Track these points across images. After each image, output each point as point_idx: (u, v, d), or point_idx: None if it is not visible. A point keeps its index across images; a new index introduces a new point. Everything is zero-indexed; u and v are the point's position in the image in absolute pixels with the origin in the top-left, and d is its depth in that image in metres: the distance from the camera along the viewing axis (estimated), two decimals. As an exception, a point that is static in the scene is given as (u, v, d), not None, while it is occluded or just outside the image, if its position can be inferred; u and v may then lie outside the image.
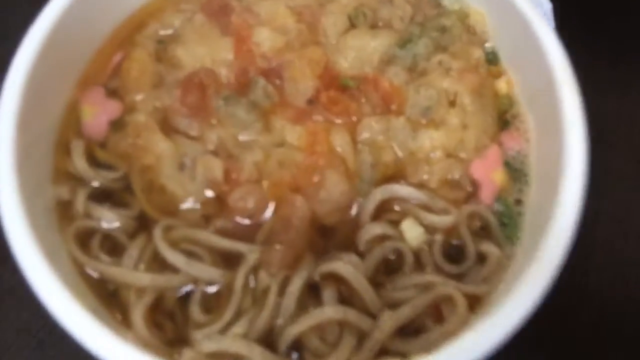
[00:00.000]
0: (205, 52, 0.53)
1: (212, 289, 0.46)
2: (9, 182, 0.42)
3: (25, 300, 0.62)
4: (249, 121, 0.50)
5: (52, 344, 0.63)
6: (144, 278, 0.44)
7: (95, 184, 0.49)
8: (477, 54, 0.56)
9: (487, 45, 0.58)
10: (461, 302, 0.43)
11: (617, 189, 0.59)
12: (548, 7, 0.68)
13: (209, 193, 0.48)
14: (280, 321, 0.44)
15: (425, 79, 0.53)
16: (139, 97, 0.52)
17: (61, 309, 0.39)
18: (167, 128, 0.51)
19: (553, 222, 0.43)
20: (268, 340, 0.44)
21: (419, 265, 0.47)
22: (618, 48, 0.76)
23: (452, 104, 0.52)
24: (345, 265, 0.44)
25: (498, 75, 0.57)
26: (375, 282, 0.46)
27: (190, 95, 0.51)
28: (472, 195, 0.50)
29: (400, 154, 0.51)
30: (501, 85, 0.56)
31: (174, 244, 0.46)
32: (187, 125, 0.51)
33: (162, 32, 0.57)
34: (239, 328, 0.43)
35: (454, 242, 0.49)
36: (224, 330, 0.43)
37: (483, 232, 0.49)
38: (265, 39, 0.54)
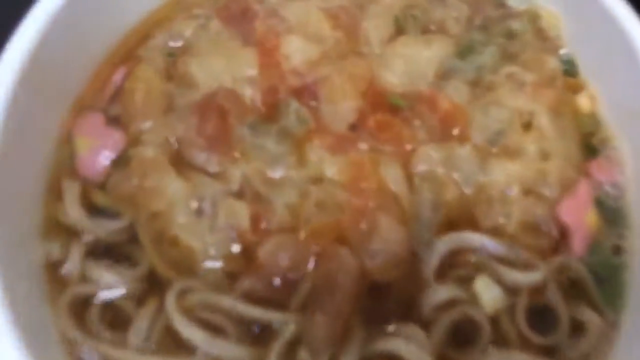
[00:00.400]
0: (224, 67, 0.48)
1: None
2: None
3: None
4: (280, 153, 0.45)
5: None
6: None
7: (94, 236, 0.43)
8: (553, 63, 0.50)
9: (562, 52, 0.52)
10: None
11: None
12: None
13: (234, 246, 0.42)
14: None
15: (492, 95, 0.48)
16: (145, 126, 0.47)
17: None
18: (181, 164, 0.45)
19: None
20: None
21: (498, 336, 0.40)
22: None
23: (526, 126, 0.47)
24: (407, 345, 0.38)
25: (577, 89, 0.51)
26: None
27: (208, 123, 0.45)
28: (561, 242, 0.44)
29: (467, 190, 0.45)
30: (582, 101, 0.51)
31: (191, 313, 0.40)
32: (206, 161, 0.45)
33: (172, 44, 0.51)
34: None
35: (542, 305, 0.41)
36: None
37: (576, 291, 0.42)
38: (296, 50, 0.48)
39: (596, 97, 0.49)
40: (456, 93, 0.48)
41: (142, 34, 0.52)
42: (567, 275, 0.43)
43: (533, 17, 0.52)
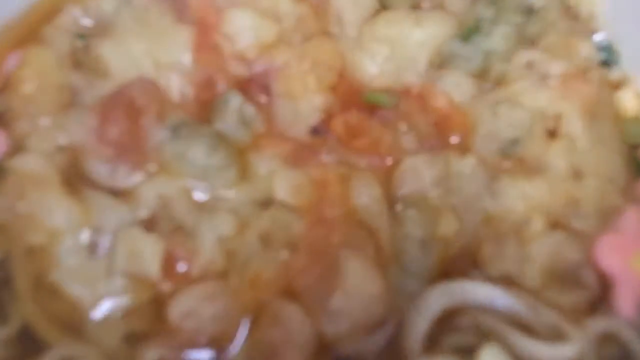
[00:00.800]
0: (146, 50, 0.42)
1: None
2: None
3: None
4: (214, 166, 0.38)
5: None
6: None
7: None
8: (586, 50, 0.43)
9: (598, 37, 0.46)
10: None
11: None
12: None
13: (138, 297, 0.35)
14: None
15: (505, 91, 0.41)
16: (35, 126, 0.40)
17: None
18: (75, 180, 0.38)
19: None
20: None
21: None
22: None
23: (552, 134, 0.40)
24: None
25: (619, 84, 0.45)
26: None
27: (114, 125, 0.39)
28: (602, 298, 0.36)
29: (469, 222, 0.38)
30: (626, 100, 0.44)
31: None
32: (109, 175, 0.38)
33: (85, 22, 0.45)
34: None
35: None
36: None
37: None
38: (243, 29, 0.42)
39: None
40: (456, 88, 0.41)
41: (50, 9, 0.45)
42: (615, 344, 0.35)
43: None
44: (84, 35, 0.44)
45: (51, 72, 0.42)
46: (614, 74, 0.44)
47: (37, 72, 0.41)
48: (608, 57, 0.45)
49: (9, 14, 0.45)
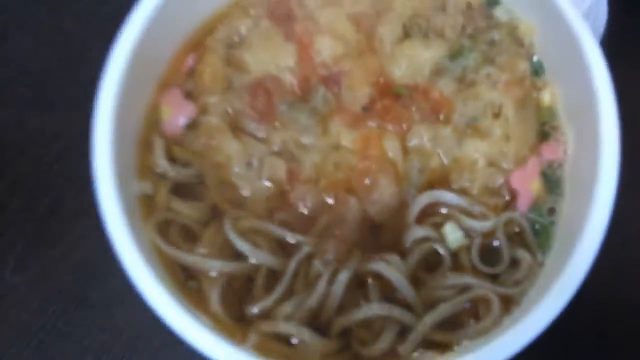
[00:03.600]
0: (270, 58, 0.57)
1: (271, 274, 0.51)
2: (108, 175, 0.48)
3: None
4: (309, 126, 0.54)
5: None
6: (215, 265, 0.50)
7: (174, 179, 0.53)
8: (523, 66, 0.58)
9: (534, 58, 0.60)
10: (496, 304, 0.49)
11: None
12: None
13: (273, 190, 0.53)
14: (328, 307, 0.49)
15: (473, 90, 0.56)
16: (211, 100, 0.56)
17: (146, 288, 0.45)
18: (236, 130, 0.55)
19: (583, 236, 0.47)
20: (314, 325, 0.49)
21: (457, 265, 0.51)
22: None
23: (496, 115, 0.55)
24: (388, 268, 0.49)
25: (542, 87, 0.58)
26: (416, 278, 0.51)
27: (258, 101, 0.55)
28: (510, 203, 0.53)
29: (445, 160, 0.54)
30: (545, 96, 0.58)
31: (241, 233, 0.50)
32: (255, 128, 0.55)
33: (231, 37, 0.59)
34: (288, 306, 0.49)
35: (491, 245, 0.53)
36: (274, 306, 0.49)
37: (518, 237, 0.52)
38: (325, 48, 0.57)
39: (556, 94, 0.57)
40: (445, 87, 0.56)
41: (209, 28, 0.59)
42: (515, 226, 0.52)
43: (513, 27, 0.60)
44: (231, 45, 0.58)
45: (218, 68, 0.57)
46: (540, 81, 0.58)
47: (211, 68, 0.56)
48: (538, 69, 0.58)
49: (187, 32, 0.59)
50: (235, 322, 0.49)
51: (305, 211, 0.52)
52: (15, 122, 0.80)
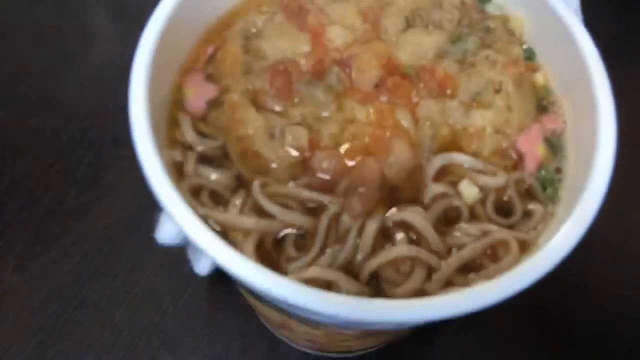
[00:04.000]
0: (286, 45, 0.60)
1: (302, 232, 0.53)
2: (149, 141, 0.50)
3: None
4: (326, 101, 0.56)
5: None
6: (248, 221, 0.52)
7: (201, 150, 0.55)
8: (517, 51, 0.62)
9: (525, 46, 0.64)
10: (514, 245, 0.51)
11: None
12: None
13: (296, 156, 0.55)
14: (359, 257, 0.51)
15: (474, 69, 0.59)
16: (232, 81, 0.58)
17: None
18: (257, 106, 0.56)
19: (588, 185, 0.50)
20: (348, 272, 0.51)
21: (474, 217, 0.55)
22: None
23: (497, 91, 0.58)
24: (413, 214, 0.52)
25: (535, 69, 0.62)
26: (438, 231, 0.54)
27: (277, 79, 0.57)
28: (518, 164, 0.56)
29: (455, 128, 0.57)
30: (538, 78, 0.64)
31: (269, 197, 0.51)
32: (274, 104, 0.57)
33: (248, 30, 0.63)
34: (324, 260, 0.51)
35: (503, 200, 0.56)
36: (312, 263, 0.51)
37: (528, 194, 0.55)
38: (337, 36, 0.60)
39: (548, 75, 0.61)
40: (449, 67, 0.59)
41: (226, 22, 0.63)
42: (524, 183, 0.55)
43: (504, 20, 0.64)
44: (248, 37, 0.64)
45: (238, 55, 0.61)
46: (533, 65, 0.62)
47: (232, 55, 0.60)
48: (529, 55, 0.62)
49: (206, 25, 0.64)
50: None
51: (327, 176, 0.55)
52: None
